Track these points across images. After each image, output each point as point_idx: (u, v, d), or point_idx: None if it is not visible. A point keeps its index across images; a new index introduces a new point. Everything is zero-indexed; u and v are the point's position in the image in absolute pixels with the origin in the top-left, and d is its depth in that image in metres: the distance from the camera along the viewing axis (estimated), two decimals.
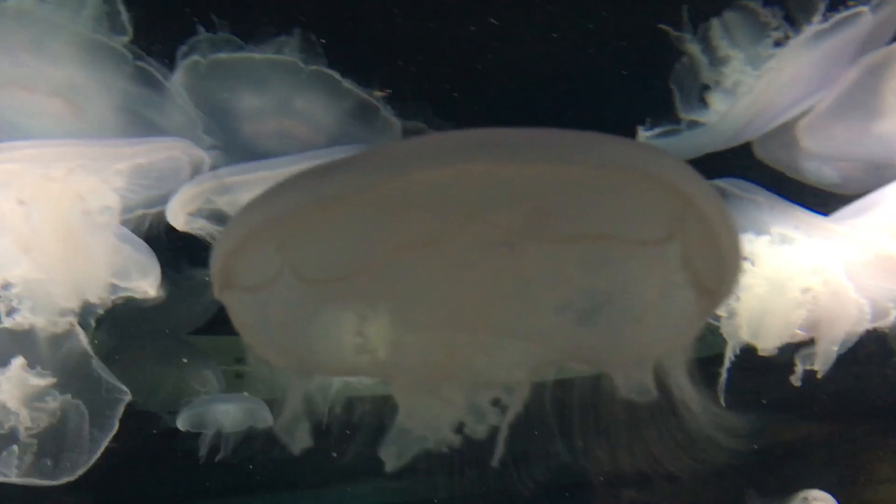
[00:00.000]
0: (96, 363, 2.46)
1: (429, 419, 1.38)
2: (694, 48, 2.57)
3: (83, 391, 2.47)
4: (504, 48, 2.63)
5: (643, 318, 1.36)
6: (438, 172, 1.08)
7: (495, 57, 2.65)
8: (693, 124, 2.61)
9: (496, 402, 1.40)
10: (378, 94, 2.66)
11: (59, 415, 2.39)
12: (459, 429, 1.38)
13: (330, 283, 1.28)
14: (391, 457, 1.40)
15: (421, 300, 1.32)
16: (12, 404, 2.26)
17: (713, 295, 1.30)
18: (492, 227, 1.18)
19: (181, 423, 3.45)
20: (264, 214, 1.16)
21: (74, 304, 2.26)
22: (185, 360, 3.76)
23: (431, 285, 1.29)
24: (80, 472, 2.38)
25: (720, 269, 1.26)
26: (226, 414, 3.46)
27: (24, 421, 2.30)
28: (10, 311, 2.20)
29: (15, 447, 2.32)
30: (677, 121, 2.63)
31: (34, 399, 2.35)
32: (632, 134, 2.62)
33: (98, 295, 2.33)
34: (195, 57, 2.26)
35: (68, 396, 2.37)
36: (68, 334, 2.49)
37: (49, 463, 2.40)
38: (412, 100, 2.53)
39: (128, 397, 2.39)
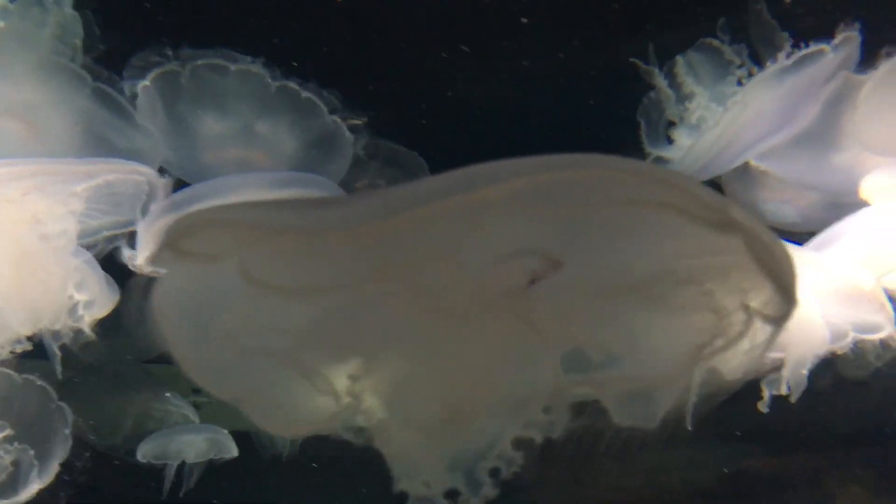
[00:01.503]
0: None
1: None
2: (661, 81, 2.60)
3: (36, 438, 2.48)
4: (474, 77, 2.65)
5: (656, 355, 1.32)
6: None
7: (465, 85, 2.67)
8: (659, 160, 2.63)
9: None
10: (353, 121, 2.66)
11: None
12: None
13: (287, 293, 1.20)
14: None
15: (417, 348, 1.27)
16: None
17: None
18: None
19: (142, 455, 3.38)
20: (245, 216, 1.13)
21: (30, 330, 2.22)
22: (148, 390, 3.72)
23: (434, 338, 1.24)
24: None
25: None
26: (190, 445, 3.40)
27: None
28: None
29: None
30: (644, 156, 2.65)
31: None
32: None
33: (56, 321, 2.29)
34: (161, 69, 2.25)
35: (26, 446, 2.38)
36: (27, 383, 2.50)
37: None
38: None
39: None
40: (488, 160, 1.03)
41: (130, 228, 2.20)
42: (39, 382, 2.55)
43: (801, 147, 2.41)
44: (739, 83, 2.45)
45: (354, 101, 2.44)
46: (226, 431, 3.48)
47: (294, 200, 1.09)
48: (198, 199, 2.34)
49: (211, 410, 3.59)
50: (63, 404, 2.57)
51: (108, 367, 3.58)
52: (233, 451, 3.42)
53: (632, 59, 2.58)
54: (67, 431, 2.55)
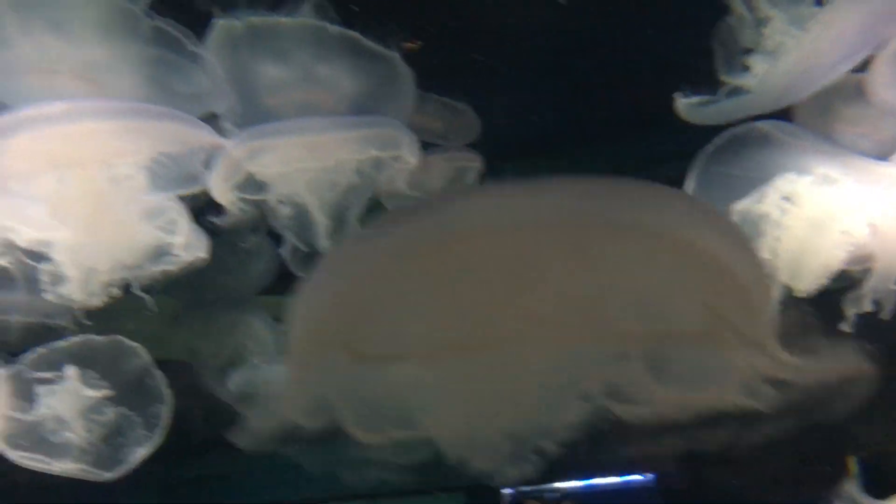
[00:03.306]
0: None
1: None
2: (738, 4, 2.46)
3: (135, 400, 2.66)
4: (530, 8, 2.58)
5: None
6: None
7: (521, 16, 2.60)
8: (735, 90, 2.51)
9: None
10: (409, 45, 2.66)
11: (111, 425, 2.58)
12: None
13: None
14: None
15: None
16: (67, 413, 2.45)
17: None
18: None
19: (233, 384, 3.57)
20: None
21: (112, 271, 2.36)
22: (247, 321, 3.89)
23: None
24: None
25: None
26: (278, 375, 3.55)
27: (79, 430, 2.49)
28: (54, 281, 2.33)
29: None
30: (718, 85, 2.53)
31: (90, 411, 2.55)
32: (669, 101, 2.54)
33: (138, 261, 2.43)
34: (224, 21, 2.29)
35: (124, 408, 2.56)
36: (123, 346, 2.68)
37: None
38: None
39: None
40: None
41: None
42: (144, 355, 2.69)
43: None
44: (819, 3, 2.29)
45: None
46: None
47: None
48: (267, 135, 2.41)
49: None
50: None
51: (209, 300, 3.79)
52: None
53: None
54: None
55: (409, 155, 2.50)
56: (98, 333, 3.08)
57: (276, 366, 3.59)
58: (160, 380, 2.72)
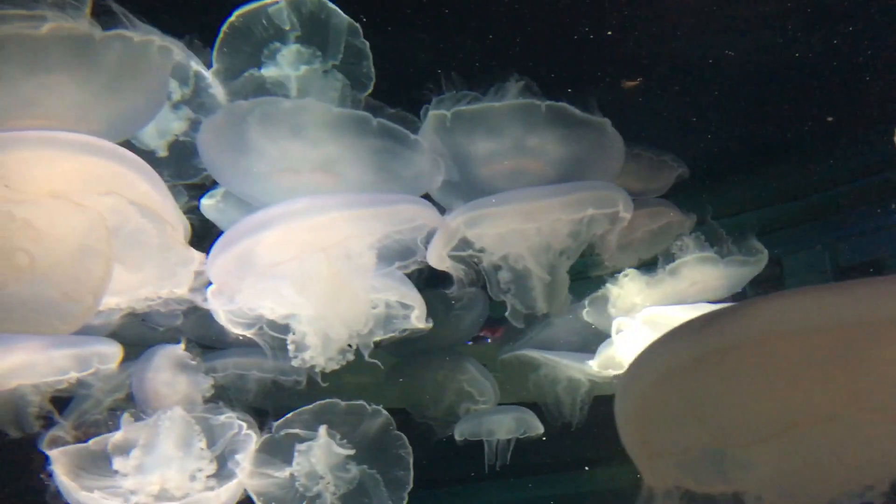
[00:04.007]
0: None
1: None
2: None
3: (377, 460, 2.86)
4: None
5: None
6: None
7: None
8: None
9: None
10: (630, 83, 2.71)
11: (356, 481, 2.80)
12: None
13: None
14: None
15: None
16: (320, 468, 2.68)
17: None
18: None
19: (458, 434, 3.73)
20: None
21: (345, 338, 2.56)
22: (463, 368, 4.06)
23: None
24: None
25: None
26: (500, 423, 3.68)
27: (329, 487, 2.72)
28: (297, 350, 2.56)
29: None
30: None
31: (337, 468, 2.77)
32: None
33: (370, 328, 2.62)
34: (440, 111, 2.46)
35: (364, 467, 2.76)
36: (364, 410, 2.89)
37: None
38: None
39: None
40: None
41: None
42: (385, 413, 2.92)
43: None
44: None
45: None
46: (529, 410, 3.72)
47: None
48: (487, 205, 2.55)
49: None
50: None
51: (427, 352, 3.99)
52: (539, 428, 3.64)
53: None
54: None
55: (626, 210, 2.55)
56: (323, 388, 3.37)
57: (498, 413, 3.72)
58: (404, 444, 2.90)
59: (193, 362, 3.12)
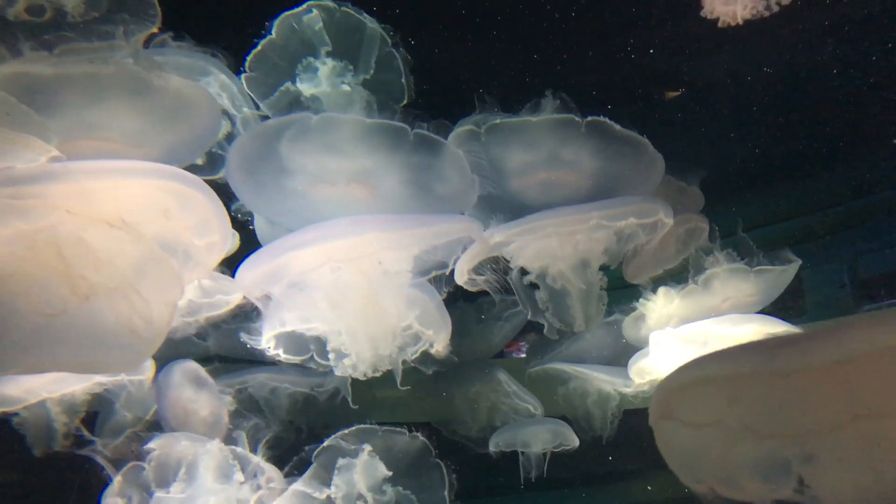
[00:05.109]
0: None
1: None
2: None
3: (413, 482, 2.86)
4: None
5: None
6: None
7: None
8: None
9: None
10: (671, 94, 2.71)
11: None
12: None
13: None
14: None
15: None
16: (360, 488, 2.68)
17: None
18: None
19: (493, 445, 3.71)
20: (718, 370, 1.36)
21: (381, 352, 2.55)
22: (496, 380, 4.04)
23: None
24: None
25: None
26: (535, 435, 3.66)
27: None
28: (336, 360, 2.56)
29: None
30: None
31: (375, 488, 2.77)
32: None
33: (396, 345, 2.61)
34: (470, 126, 2.47)
35: (399, 488, 2.76)
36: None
37: None
38: None
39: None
40: None
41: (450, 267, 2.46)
42: (422, 439, 2.93)
43: None
44: None
45: None
46: (564, 422, 3.70)
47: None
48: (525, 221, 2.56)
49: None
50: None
51: (462, 366, 3.97)
52: (574, 440, 3.62)
53: None
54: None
55: (667, 217, 2.54)
56: (353, 402, 3.37)
57: (534, 425, 3.71)
58: (440, 466, 2.90)
59: (207, 375, 3.10)
